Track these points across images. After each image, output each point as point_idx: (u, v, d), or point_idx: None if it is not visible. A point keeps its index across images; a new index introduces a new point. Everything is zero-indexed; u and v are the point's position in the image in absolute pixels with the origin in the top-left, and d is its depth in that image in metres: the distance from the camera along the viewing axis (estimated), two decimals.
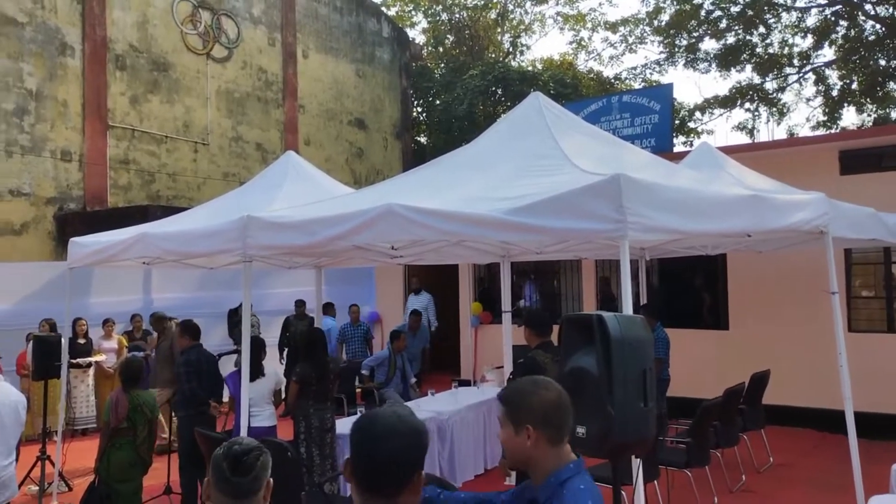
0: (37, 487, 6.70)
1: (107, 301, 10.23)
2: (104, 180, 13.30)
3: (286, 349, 10.29)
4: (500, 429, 2.02)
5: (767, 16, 22.07)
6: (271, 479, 1.95)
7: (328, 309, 10.56)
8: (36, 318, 9.29)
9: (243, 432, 4.92)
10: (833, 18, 21.62)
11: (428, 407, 6.84)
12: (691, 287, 10.18)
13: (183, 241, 5.30)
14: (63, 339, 6.59)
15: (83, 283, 9.93)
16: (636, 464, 3.62)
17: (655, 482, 5.44)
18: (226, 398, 6.53)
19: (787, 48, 22.92)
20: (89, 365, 9.42)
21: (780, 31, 22.83)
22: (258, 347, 5.95)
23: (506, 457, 2.09)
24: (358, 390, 9.22)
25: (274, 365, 6.33)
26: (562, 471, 1.93)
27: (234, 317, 10.47)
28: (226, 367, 9.65)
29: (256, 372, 5.86)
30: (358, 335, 10.26)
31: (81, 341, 9.39)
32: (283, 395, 6.15)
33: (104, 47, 13.27)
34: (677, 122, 22.88)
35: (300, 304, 10.60)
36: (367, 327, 10.57)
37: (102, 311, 9.99)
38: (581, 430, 2.64)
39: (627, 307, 3.52)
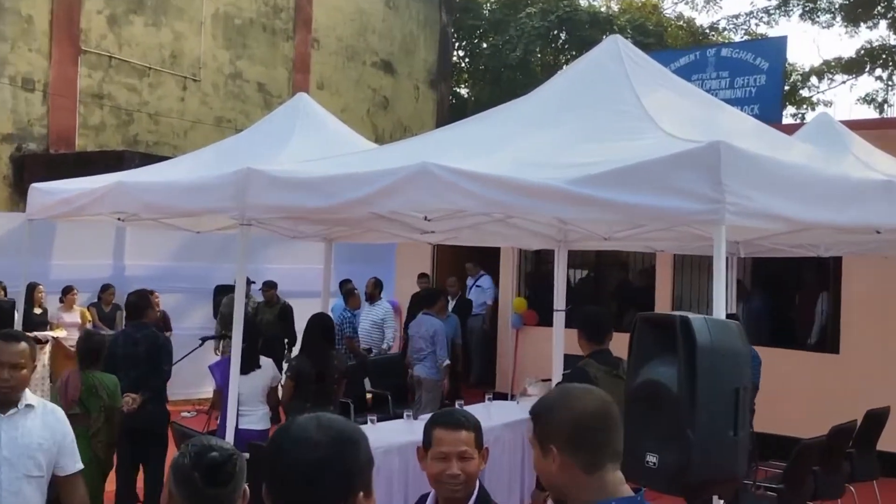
0: None
1: (70, 265, 10.42)
2: (72, 117, 13.53)
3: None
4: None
5: None
6: (247, 487, 1.96)
7: (347, 291, 10.55)
8: None
9: (229, 435, 4.99)
10: None
11: None
12: (793, 296, 10.03)
13: (168, 193, 5.35)
14: (17, 307, 6.73)
15: (43, 240, 10.09)
16: None
17: None
18: (209, 392, 6.63)
19: None
20: (47, 341, 9.60)
21: None
22: (255, 333, 6.02)
23: (541, 486, 2.09)
24: (369, 396, 9.28)
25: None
26: None
27: (221, 296, 10.62)
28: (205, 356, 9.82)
29: (251, 362, 5.92)
30: (354, 325, 10.24)
31: (38, 311, 9.60)
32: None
33: None
34: (786, 88, 22.45)
35: (269, 286, 10.58)
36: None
37: (64, 276, 10.18)
38: (652, 458, 2.62)
39: (720, 310, 3.48)
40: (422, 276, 11.40)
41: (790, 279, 10.04)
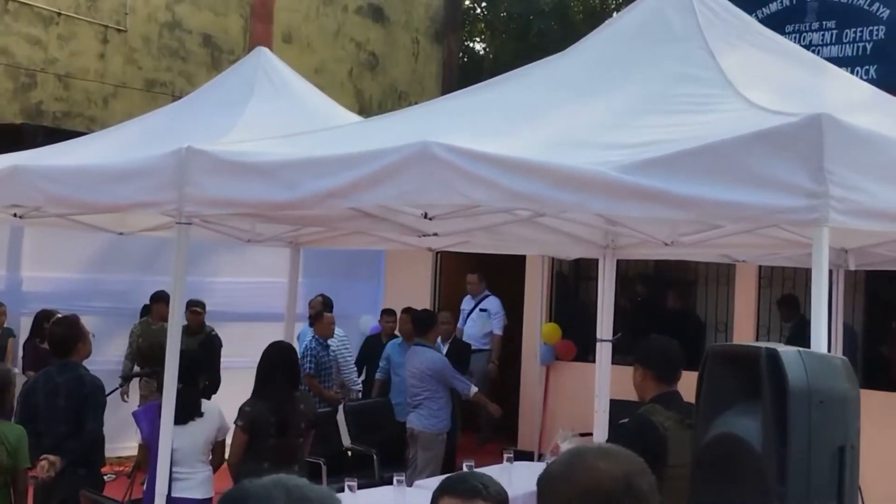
0: None
1: None
2: None
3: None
4: None
5: None
6: None
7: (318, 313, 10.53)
8: None
9: None
10: None
11: None
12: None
13: (80, 182, 5.35)
14: None
15: None
16: None
17: None
18: (133, 448, 6.63)
19: None
20: None
21: None
22: (193, 367, 6.04)
23: None
24: (347, 452, 9.28)
25: None
26: None
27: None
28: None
29: (190, 409, 5.93)
30: (329, 359, 10.21)
31: None
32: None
33: None
34: None
35: (195, 306, 10.42)
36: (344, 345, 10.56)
37: None
38: None
39: (820, 340, 3.50)
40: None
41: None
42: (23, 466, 5.49)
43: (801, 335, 9.40)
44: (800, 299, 10.44)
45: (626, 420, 5.09)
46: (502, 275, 12.55)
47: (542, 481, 2.02)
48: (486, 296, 12.35)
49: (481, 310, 12.36)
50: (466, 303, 12.53)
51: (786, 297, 10.76)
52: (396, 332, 10.92)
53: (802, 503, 2.48)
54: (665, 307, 12.16)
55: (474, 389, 8.71)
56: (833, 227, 3.69)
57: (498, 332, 12.21)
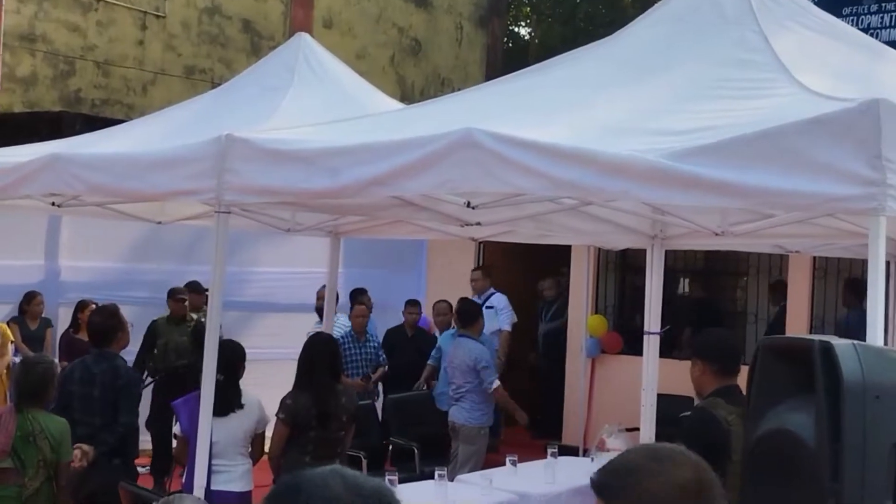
0: None
1: None
2: None
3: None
4: None
5: None
6: None
7: (359, 300, 10.54)
8: None
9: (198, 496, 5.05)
10: None
11: (506, 485, 6.88)
12: None
13: (119, 170, 5.40)
14: None
15: None
16: None
17: None
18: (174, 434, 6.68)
19: None
20: None
21: None
22: (234, 358, 6.06)
23: None
24: (388, 445, 9.33)
25: None
26: None
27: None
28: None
29: (231, 400, 5.97)
30: (361, 355, 10.24)
31: None
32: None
33: None
34: None
35: (194, 289, 10.26)
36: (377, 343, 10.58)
37: None
38: None
39: (876, 333, 3.47)
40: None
41: None
42: (65, 460, 5.55)
43: (856, 325, 9.37)
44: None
45: (687, 413, 5.08)
46: (548, 265, 12.54)
47: (609, 479, 1.98)
48: (492, 293, 12.11)
49: (487, 307, 12.08)
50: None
51: (853, 280, 10.69)
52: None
53: (856, 501, 2.46)
54: (716, 299, 12.08)
55: (496, 384, 8.65)
56: (891, 217, 3.67)
57: (506, 328, 11.90)
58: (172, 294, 10.14)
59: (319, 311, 10.22)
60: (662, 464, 1.96)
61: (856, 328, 10.20)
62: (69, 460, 5.60)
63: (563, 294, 12.65)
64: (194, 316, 10.11)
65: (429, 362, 10.46)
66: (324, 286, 10.58)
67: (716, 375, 4.86)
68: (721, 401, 4.72)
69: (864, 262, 3.82)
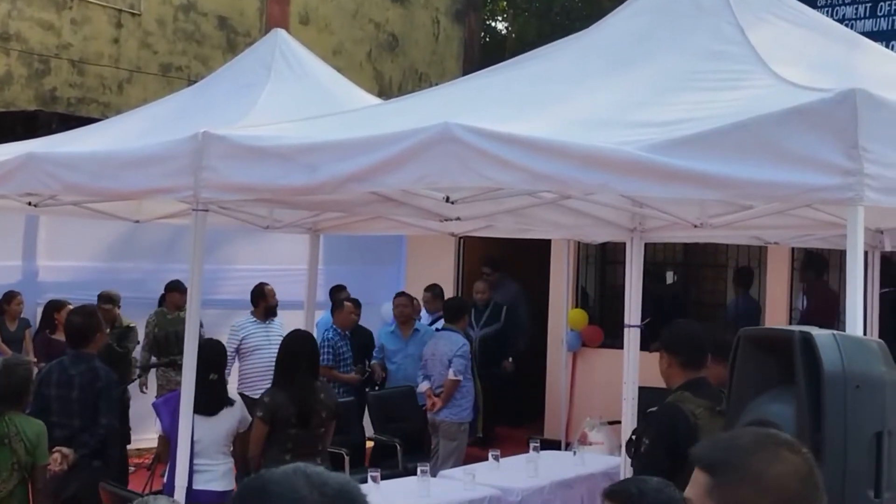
0: None
1: None
2: None
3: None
4: None
5: None
6: None
7: (339, 297, 10.51)
8: None
9: (179, 497, 5.03)
10: None
11: (488, 479, 6.89)
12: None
13: (95, 169, 5.39)
14: None
15: None
16: None
17: None
18: (153, 440, 6.67)
19: None
20: None
21: None
22: (215, 357, 6.06)
23: None
24: (370, 442, 9.31)
25: None
26: None
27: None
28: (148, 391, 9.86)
29: (218, 399, 5.98)
30: (347, 349, 10.14)
31: None
32: None
33: None
34: None
35: (106, 301, 9.94)
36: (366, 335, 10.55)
37: None
38: None
39: (856, 323, 3.49)
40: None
41: None
42: (41, 463, 5.50)
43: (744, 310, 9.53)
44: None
45: (654, 409, 5.08)
46: (525, 260, 12.54)
47: (723, 461, 1.92)
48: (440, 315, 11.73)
49: (438, 329, 11.65)
50: (425, 319, 11.60)
51: (742, 268, 11.19)
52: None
53: (838, 490, 2.46)
54: (695, 291, 12.13)
55: (457, 377, 8.65)
56: (868, 207, 3.68)
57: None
58: (176, 286, 10.14)
59: (332, 308, 10.34)
60: (780, 449, 1.94)
61: (744, 314, 10.46)
62: (46, 463, 5.55)
63: (495, 297, 12.14)
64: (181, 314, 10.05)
65: (373, 361, 10.38)
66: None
67: (682, 368, 4.84)
68: (689, 394, 4.70)
69: (841, 253, 3.82)
